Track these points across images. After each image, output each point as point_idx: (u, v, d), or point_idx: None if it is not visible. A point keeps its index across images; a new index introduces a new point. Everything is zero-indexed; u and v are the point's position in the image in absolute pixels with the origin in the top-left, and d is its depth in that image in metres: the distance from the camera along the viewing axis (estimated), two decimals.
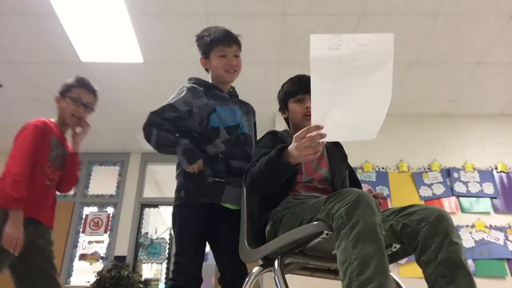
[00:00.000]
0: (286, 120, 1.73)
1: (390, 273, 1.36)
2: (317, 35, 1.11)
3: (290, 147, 1.28)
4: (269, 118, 4.43)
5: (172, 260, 5.07)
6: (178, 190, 1.72)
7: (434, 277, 1.11)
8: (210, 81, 1.85)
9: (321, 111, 1.16)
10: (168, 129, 1.70)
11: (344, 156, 1.68)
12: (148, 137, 1.73)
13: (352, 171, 1.69)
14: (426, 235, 1.15)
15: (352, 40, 1.12)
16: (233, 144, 1.73)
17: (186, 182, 1.69)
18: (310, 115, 1.58)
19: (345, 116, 1.18)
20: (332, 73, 1.13)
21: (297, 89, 1.63)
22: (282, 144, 1.53)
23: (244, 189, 1.60)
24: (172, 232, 5.18)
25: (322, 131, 1.18)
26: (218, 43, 1.77)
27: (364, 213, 1.04)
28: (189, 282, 1.55)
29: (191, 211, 1.65)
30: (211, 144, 1.70)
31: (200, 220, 1.64)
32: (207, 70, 1.89)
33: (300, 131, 1.22)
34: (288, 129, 1.73)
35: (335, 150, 1.66)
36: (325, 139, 1.20)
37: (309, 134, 1.20)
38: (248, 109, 1.91)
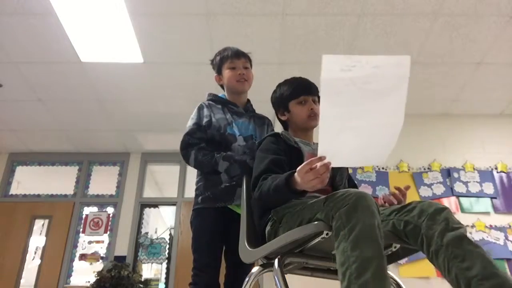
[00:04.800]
0: (285, 122, 1.71)
1: (390, 272, 1.37)
2: (329, 56, 1.05)
3: (296, 176, 1.24)
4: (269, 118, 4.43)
5: (173, 260, 5.06)
6: (196, 196, 1.82)
7: (447, 262, 1.05)
8: (227, 97, 1.97)
9: (329, 136, 1.12)
10: (205, 147, 1.80)
11: None
12: (187, 158, 1.81)
13: (350, 178, 1.69)
14: (427, 226, 1.13)
15: (367, 62, 1.07)
16: (250, 150, 1.81)
17: (204, 190, 1.79)
18: (314, 116, 1.59)
19: (354, 141, 1.14)
20: (343, 97, 1.08)
21: (299, 91, 1.63)
22: (285, 146, 1.53)
23: (244, 189, 1.60)
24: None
25: (329, 157, 1.15)
26: (228, 57, 1.91)
27: (364, 215, 1.04)
28: (208, 286, 1.65)
29: (206, 217, 1.75)
30: (229, 149, 1.80)
31: (215, 225, 1.73)
32: (222, 87, 2.01)
33: (302, 165, 1.20)
34: (286, 131, 1.72)
35: None
36: (332, 165, 1.16)
37: (312, 167, 1.17)
38: (262, 122, 2.01)
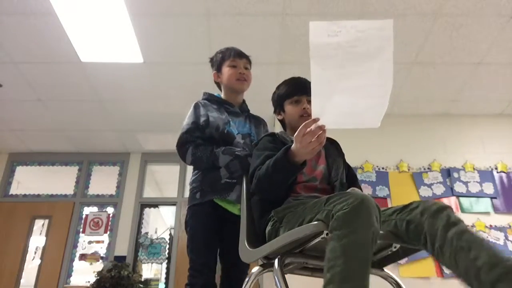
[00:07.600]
0: (282, 121, 1.74)
1: (389, 272, 1.37)
2: (316, 22, 1.12)
3: (293, 147, 1.30)
4: (269, 118, 4.42)
5: (173, 260, 5.05)
6: (193, 193, 1.79)
7: (454, 255, 1.04)
8: (223, 96, 1.97)
9: (321, 98, 1.17)
10: (202, 143, 1.79)
11: (341, 153, 1.68)
12: (183, 155, 1.79)
13: (350, 169, 1.69)
14: (430, 224, 1.13)
15: (352, 26, 1.13)
16: (248, 147, 1.81)
17: (202, 185, 1.77)
18: (306, 116, 1.59)
19: (346, 103, 1.18)
20: (332, 60, 1.14)
21: (293, 90, 1.65)
22: (282, 145, 1.53)
23: (244, 188, 1.60)
24: (172, 232, 5.19)
25: (323, 119, 1.19)
26: (230, 56, 1.92)
27: (361, 223, 1.03)
28: (205, 286, 1.63)
29: (202, 216, 1.73)
30: (230, 146, 1.79)
31: (211, 224, 1.73)
32: (219, 87, 2.00)
33: (298, 130, 1.25)
34: (284, 131, 1.73)
35: (332, 147, 1.67)
36: (327, 127, 1.22)
37: (308, 129, 1.22)
38: (259, 122, 2.02)
